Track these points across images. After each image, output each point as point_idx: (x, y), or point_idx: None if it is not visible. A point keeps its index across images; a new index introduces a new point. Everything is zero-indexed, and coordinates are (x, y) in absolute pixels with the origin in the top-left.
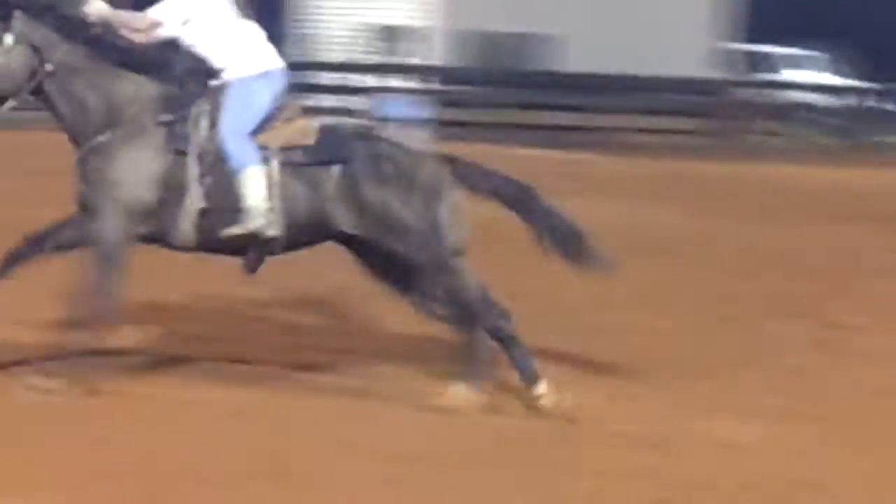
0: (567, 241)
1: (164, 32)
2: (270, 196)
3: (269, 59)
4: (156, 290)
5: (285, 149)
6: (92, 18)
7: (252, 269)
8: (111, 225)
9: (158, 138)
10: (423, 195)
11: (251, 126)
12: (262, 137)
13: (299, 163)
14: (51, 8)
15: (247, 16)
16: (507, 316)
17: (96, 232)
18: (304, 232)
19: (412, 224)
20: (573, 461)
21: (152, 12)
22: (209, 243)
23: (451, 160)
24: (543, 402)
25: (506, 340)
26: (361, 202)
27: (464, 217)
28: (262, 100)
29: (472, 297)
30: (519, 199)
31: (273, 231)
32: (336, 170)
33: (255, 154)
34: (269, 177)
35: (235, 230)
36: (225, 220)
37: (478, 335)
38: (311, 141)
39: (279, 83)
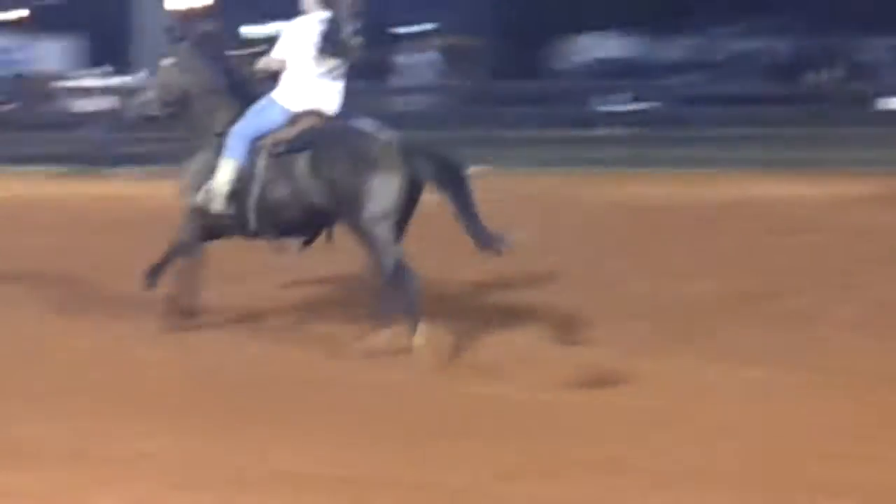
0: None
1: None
2: (240, 181)
3: (298, 101)
4: None
5: (275, 143)
6: (259, 74)
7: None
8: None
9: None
10: (359, 169)
11: (253, 133)
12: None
13: (280, 153)
14: (208, 42)
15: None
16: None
17: None
18: (286, 207)
19: (346, 194)
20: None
21: (276, 55)
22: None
23: (400, 143)
24: (416, 342)
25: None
26: (323, 178)
27: (388, 189)
28: (273, 117)
29: (386, 259)
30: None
31: (218, 207)
32: (306, 154)
33: (239, 150)
34: (252, 166)
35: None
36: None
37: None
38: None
39: (292, 115)
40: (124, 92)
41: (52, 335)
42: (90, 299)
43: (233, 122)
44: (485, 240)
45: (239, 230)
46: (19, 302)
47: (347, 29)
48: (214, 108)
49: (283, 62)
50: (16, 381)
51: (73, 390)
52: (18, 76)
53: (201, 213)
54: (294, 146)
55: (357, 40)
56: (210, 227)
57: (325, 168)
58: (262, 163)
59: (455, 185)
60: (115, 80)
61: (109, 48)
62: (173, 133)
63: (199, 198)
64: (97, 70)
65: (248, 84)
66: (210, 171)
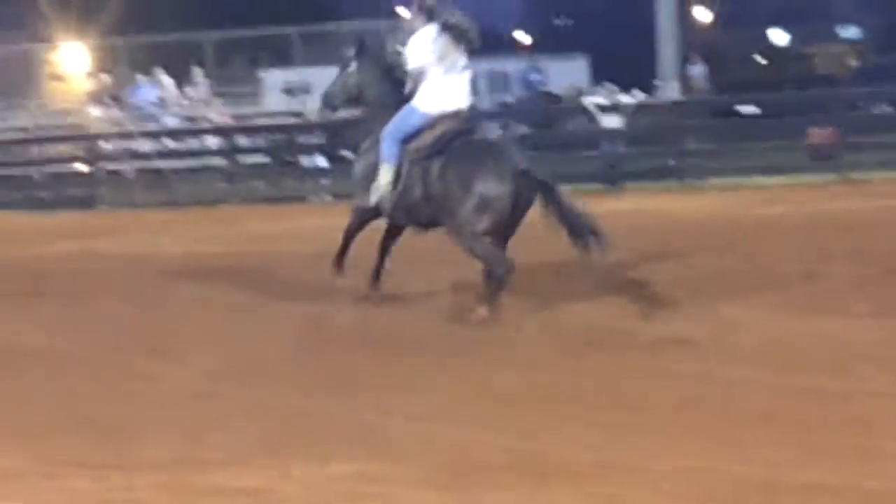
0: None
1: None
2: (394, 182)
3: (433, 103)
4: None
5: (417, 150)
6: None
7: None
8: None
9: None
10: (472, 180)
11: (401, 135)
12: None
13: (419, 158)
14: (382, 58)
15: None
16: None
17: None
18: (421, 205)
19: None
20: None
21: (411, 66)
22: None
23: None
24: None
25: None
26: (447, 183)
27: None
28: (414, 122)
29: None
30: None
31: (385, 204)
32: (438, 160)
33: (393, 154)
34: (400, 168)
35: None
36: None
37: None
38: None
39: (431, 118)
40: (629, 110)
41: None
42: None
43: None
44: (582, 246)
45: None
46: None
47: (456, 18)
48: (378, 114)
49: (419, 71)
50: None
51: None
52: (544, 94)
53: (364, 209)
54: (431, 152)
55: (469, 23)
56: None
57: (451, 175)
58: (405, 167)
59: (550, 198)
60: (623, 98)
61: (611, 67)
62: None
63: (373, 199)
64: (604, 89)
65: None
66: (374, 171)
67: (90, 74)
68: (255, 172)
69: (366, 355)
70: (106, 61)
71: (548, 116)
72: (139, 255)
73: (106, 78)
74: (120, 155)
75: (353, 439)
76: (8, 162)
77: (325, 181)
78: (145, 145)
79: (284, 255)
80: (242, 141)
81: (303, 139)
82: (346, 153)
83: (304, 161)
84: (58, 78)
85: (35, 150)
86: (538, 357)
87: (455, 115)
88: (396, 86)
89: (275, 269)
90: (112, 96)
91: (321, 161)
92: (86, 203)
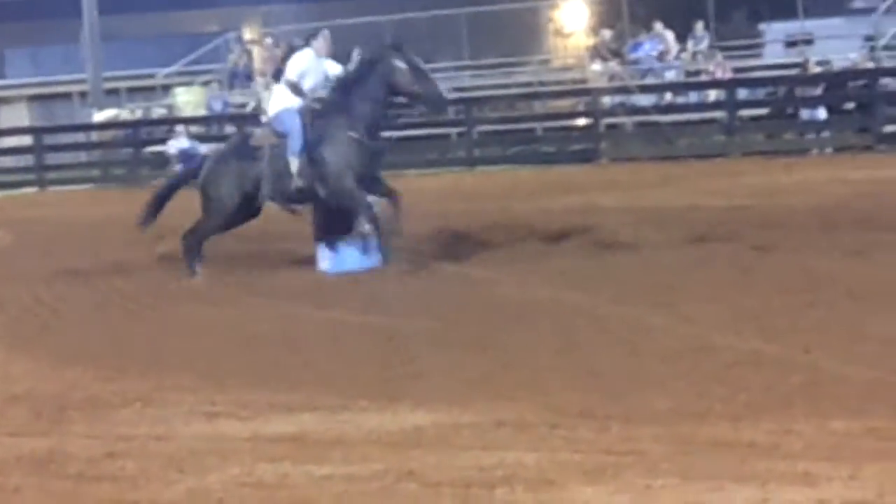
0: None
1: None
2: None
3: None
4: None
5: None
6: None
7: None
8: None
9: None
10: None
11: None
12: None
13: None
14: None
15: None
16: None
17: None
18: None
19: None
20: None
21: None
22: None
23: None
24: None
25: None
26: None
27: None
28: None
29: None
30: None
31: None
32: None
33: None
34: None
35: None
36: None
37: None
38: None
39: None
40: None
41: None
42: None
43: None
44: None
45: None
46: None
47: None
48: None
49: None
50: None
51: None
52: None
53: None
54: None
55: None
56: None
57: None
58: None
59: None
60: None
61: None
62: None
63: None
64: None
65: None
66: None
67: (592, 30)
68: (755, 126)
69: (867, 309)
70: (608, 16)
71: None
72: (640, 208)
73: (607, 33)
74: (620, 110)
75: (859, 396)
76: (512, 118)
77: (825, 133)
78: (644, 100)
79: (786, 207)
80: (742, 94)
81: (803, 91)
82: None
83: (805, 114)
84: (561, 34)
85: (538, 106)
86: None
87: None
88: None
89: (778, 222)
90: (613, 51)
91: (822, 113)
92: (586, 157)
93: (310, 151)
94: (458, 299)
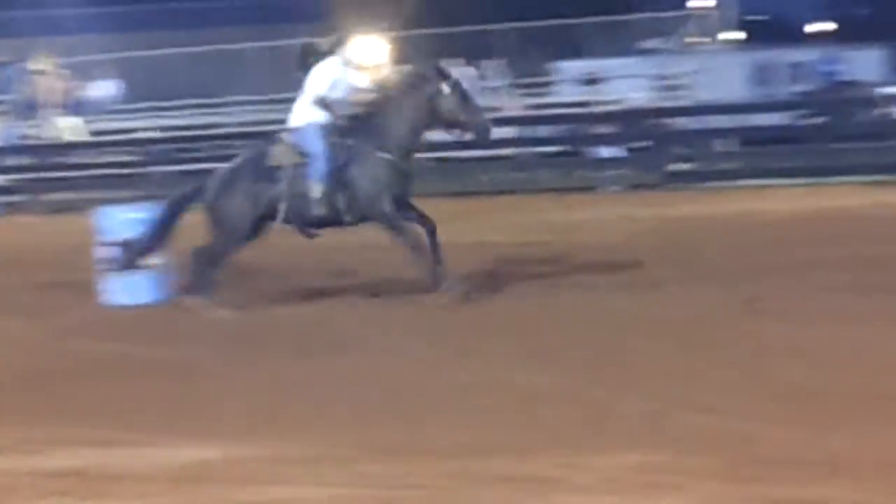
0: None
1: None
2: None
3: None
4: None
5: None
6: None
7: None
8: None
9: None
10: None
11: None
12: None
13: None
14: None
15: None
16: None
17: None
18: None
19: None
20: None
21: None
22: None
23: None
24: None
25: None
26: None
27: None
28: None
29: None
30: None
31: None
32: None
33: None
34: None
35: None
36: None
37: None
38: None
39: None
40: None
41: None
42: None
43: None
44: None
45: None
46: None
47: None
48: None
49: None
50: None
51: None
52: (839, 84)
53: None
54: None
55: None
56: None
57: None
58: None
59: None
60: None
61: None
62: None
63: None
64: None
65: None
66: None
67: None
68: (549, 163)
69: (655, 343)
70: (400, 54)
71: (843, 107)
72: None
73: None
74: None
75: (645, 430)
76: None
77: (616, 171)
78: (438, 135)
79: (576, 244)
80: (536, 131)
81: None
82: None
83: (597, 152)
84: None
85: None
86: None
87: None
88: None
89: (568, 258)
90: None
91: (613, 151)
92: None
93: (338, 174)
94: (248, 331)
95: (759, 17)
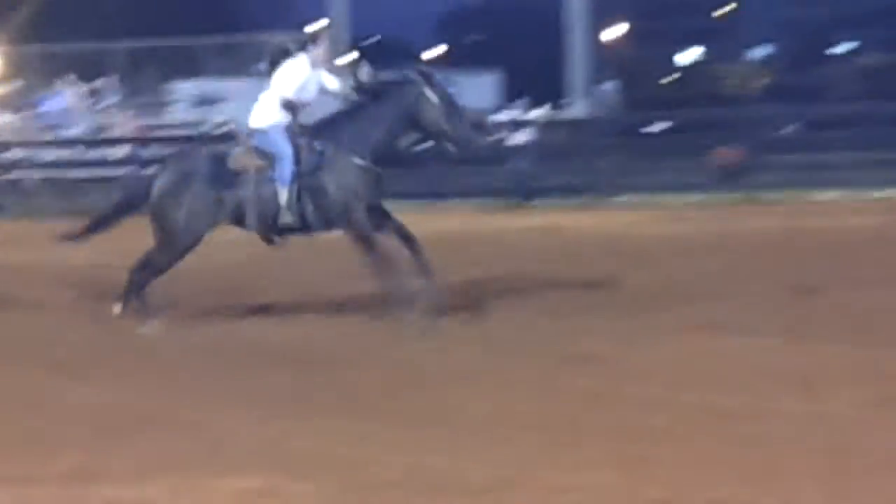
0: None
1: None
2: None
3: None
4: None
5: None
6: None
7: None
8: None
9: None
10: None
11: None
12: None
13: None
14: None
15: None
16: None
17: None
18: None
19: None
20: None
21: None
22: None
23: None
24: None
25: None
26: None
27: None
28: None
29: None
30: None
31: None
32: None
33: None
34: None
35: None
36: None
37: None
38: None
39: None
40: (543, 124)
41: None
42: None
43: None
44: None
45: None
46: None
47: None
48: None
49: None
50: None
51: None
52: None
53: None
54: None
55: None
56: None
57: None
58: None
59: None
60: (536, 113)
61: (526, 82)
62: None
63: None
64: (517, 103)
65: None
66: None
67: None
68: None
69: (270, 372)
70: (16, 68)
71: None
72: (42, 265)
73: (16, 85)
74: (25, 164)
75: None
76: None
77: None
78: (50, 154)
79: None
80: (151, 151)
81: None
82: None
83: None
84: None
85: None
86: (443, 374)
87: None
88: None
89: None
90: (19, 104)
91: None
92: None
93: (307, 180)
94: None
95: (372, 40)
